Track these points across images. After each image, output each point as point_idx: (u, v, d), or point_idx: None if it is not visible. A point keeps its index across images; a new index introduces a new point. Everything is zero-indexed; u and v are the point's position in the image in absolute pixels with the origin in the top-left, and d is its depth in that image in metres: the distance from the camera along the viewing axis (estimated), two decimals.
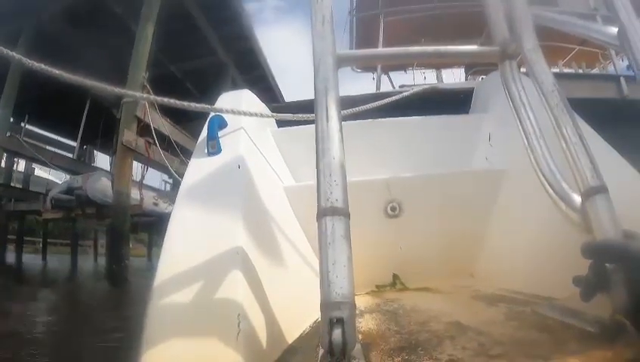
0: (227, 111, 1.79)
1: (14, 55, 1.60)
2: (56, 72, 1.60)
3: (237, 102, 1.95)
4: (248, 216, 1.21)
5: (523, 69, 1.16)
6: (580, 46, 8.83)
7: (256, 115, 1.94)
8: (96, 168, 14.48)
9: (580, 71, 9.02)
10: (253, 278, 1.03)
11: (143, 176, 11.34)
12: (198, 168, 1.47)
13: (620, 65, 7.69)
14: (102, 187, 9.94)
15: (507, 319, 1.10)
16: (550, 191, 1.00)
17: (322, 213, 0.74)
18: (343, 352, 0.64)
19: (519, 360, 0.80)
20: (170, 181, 15.62)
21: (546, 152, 1.04)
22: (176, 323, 0.87)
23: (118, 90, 2.21)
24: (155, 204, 11.96)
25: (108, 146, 14.98)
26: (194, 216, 1.22)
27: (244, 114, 1.86)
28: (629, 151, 1.40)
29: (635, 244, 0.77)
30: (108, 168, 14.81)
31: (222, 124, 1.72)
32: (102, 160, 18.43)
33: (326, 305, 0.68)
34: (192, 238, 1.13)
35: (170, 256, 1.07)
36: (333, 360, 0.64)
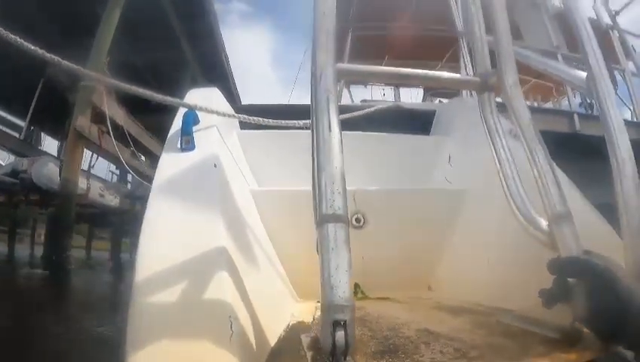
0: (200, 109, 1.77)
1: None
2: (19, 40, 1.53)
3: (207, 100, 1.96)
4: (225, 216, 1.21)
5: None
6: (535, 79, 9.28)
7: (229, 115, 1.95)
8: (43, 152, 13.72)
9: (535, 104, 9.56)
10: (238, 279, 1.02)
11: (91, 165, 10.87)
12: (172, 163, 1.43)
13: (573, 101, 8.21)
14: (48, 173, 9.37)
15: (474, 327, 1.18)
16: (517, 213, 1.09)
17: (324, 220, 0.78)
18: (344, 353, 0.68)
19: None
20: (118, 172, 15.00)
21: (516, 179, 1.13)
22: (163, 327, 0.82)
23: (87, 72, 2.14)
24: (102, 196, 11.50)
25: (57, 130, 14.22)
26: (172, 213, 1.18)
27: (219, 113, 1.86)
28: (579, 182, 1.53)
29: (595, 261, 0.88)
30: (55, 153, 14.08)
31: (195, 120, 1.70)
32: (50, 144, 17.57)
33: (329, 307, 0.71)
34: (172, 236, 1.09)
35: (148, 254, 1.01)
36: (334, 361, 0.68)
